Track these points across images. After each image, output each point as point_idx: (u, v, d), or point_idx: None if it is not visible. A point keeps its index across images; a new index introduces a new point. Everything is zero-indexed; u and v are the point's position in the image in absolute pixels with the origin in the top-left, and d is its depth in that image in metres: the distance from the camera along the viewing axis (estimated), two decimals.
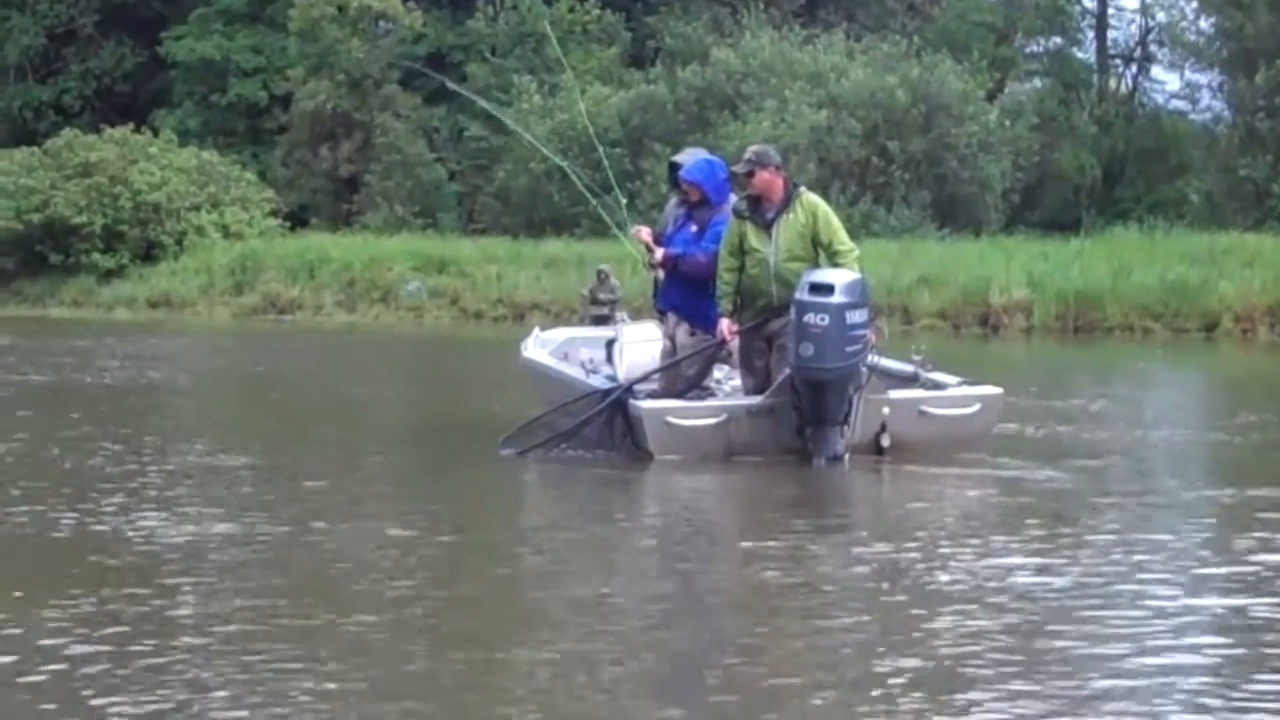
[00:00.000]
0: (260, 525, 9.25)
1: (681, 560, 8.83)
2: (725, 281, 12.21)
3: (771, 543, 9.00)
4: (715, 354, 12.58)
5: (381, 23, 52.00)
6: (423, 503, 10.62)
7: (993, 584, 7.68)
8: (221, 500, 10.29)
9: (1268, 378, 24.02)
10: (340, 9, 49.63)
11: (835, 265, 11.89)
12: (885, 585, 7.77)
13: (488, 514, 10.34)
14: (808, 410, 11.56)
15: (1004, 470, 11.77)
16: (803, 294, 11.42)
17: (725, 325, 12.20)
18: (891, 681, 5.98)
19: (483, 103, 24.28)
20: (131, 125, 48.17)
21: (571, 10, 49.46)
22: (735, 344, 12.34)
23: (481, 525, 9.78)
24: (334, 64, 49.66)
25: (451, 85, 22.40)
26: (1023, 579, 7.80)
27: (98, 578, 7.72)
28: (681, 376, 12.53)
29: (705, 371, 12.67)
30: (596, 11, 50.16)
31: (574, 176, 18.07)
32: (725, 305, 12.22)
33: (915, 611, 7.14)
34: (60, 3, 55.77)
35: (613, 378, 12.92)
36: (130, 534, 8.91)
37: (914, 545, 8.69)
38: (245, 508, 9.91)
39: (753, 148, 12.81)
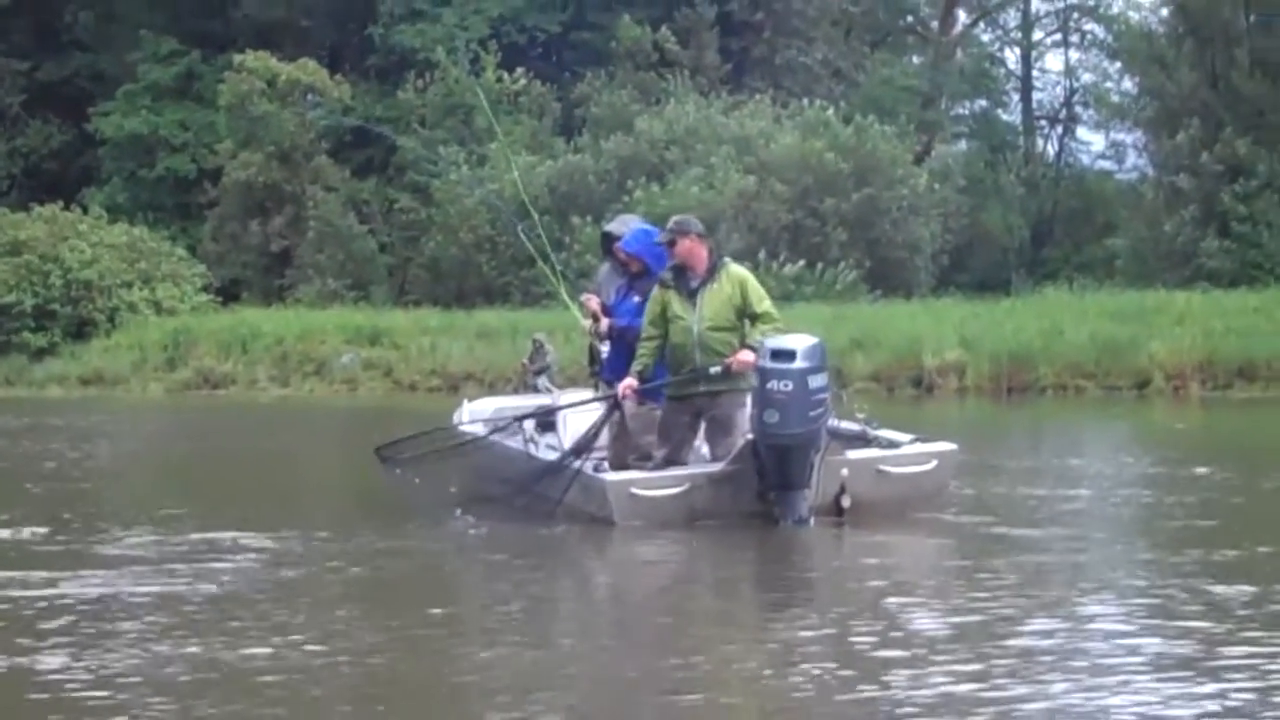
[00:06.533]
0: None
1: (657, 630, 8.93)
2: (644, 351, 12.33)
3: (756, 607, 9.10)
4: (615, 411, 12.52)
5: (310, 95, 51.96)
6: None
7: (964, 644, 7.84)
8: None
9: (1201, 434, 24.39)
10: (269, 83, 49.63)
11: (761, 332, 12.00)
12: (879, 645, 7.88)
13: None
14: (773, 475, 11.66)
15: (963, 529, 11.96)
16: (765, 360, 11.54)
17: (628, 383, 12.28)
18: None
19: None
20: (60, 203, 47.91)
21: (499, 81, 49.54)
22: (629, 406, 12.38)
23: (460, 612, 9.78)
24: (263, 137, 49.64)
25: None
26: (1000, 639, 7.95)
27: None
28: (632, 446, 12.57)
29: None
30: (524, 82, 50.26)
31: (524, 240, 18.03)
32: (635, 367, 12.33)
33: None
34: None
35: (553, 447, 12.95)
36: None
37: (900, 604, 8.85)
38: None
39: (674, 218, 12.96)
